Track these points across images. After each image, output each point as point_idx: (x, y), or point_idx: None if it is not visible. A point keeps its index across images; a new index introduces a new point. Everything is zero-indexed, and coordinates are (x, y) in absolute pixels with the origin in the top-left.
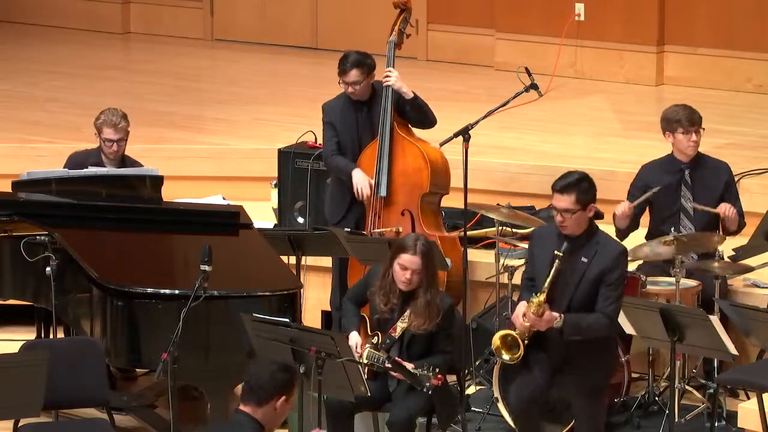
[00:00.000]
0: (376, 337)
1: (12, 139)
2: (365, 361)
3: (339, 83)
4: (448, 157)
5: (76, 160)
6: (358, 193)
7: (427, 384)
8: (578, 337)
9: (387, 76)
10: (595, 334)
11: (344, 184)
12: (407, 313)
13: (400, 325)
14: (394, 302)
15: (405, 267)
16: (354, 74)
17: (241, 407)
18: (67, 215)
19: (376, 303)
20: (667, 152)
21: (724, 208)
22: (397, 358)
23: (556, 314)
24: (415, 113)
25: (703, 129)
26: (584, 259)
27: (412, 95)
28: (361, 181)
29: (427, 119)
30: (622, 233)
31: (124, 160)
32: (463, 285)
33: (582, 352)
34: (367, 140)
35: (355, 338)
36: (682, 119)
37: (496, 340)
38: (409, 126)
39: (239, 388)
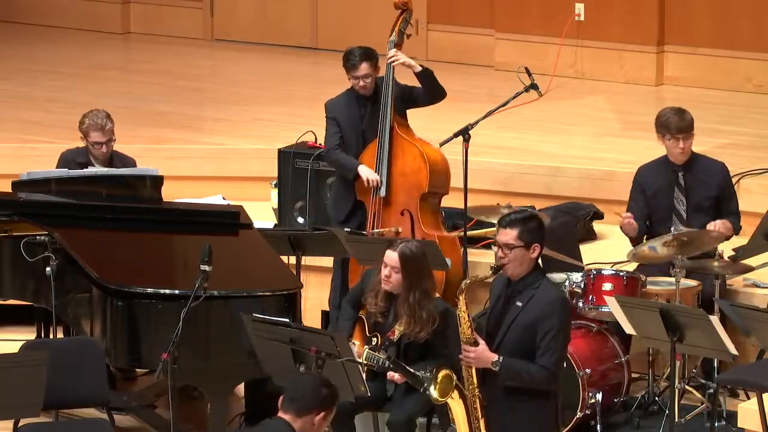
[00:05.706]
0: (375, 339)
1: (12, 139)
2: (365, 362)
3: (349, 79)
4: (448, 157)
5: (67, 158)
6: (367, 184)
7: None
8: (515, 383)
9: (393, 58)
10: (535, 385)
11: (348, 182)
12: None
13: (398, 329)
14: (381, 304)
15: (385, 263)
16: (365, 67)
17: (280, 414)
18: (67, 215)
19: (368, 304)
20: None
21: (711, 228)
22: (396, 359)
23: (494, 355)
24: (427, 84)
25: (693, 134)
26: (519, 304)
27: (420, 68)
28: (368, 173)
29: (439, 89)
30: (635, 240)
31: (112, 157)
32: None
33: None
34: (371, 136)
35: None
36: (671, 126)
37: (446, 373)
38: (409, 126)
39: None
